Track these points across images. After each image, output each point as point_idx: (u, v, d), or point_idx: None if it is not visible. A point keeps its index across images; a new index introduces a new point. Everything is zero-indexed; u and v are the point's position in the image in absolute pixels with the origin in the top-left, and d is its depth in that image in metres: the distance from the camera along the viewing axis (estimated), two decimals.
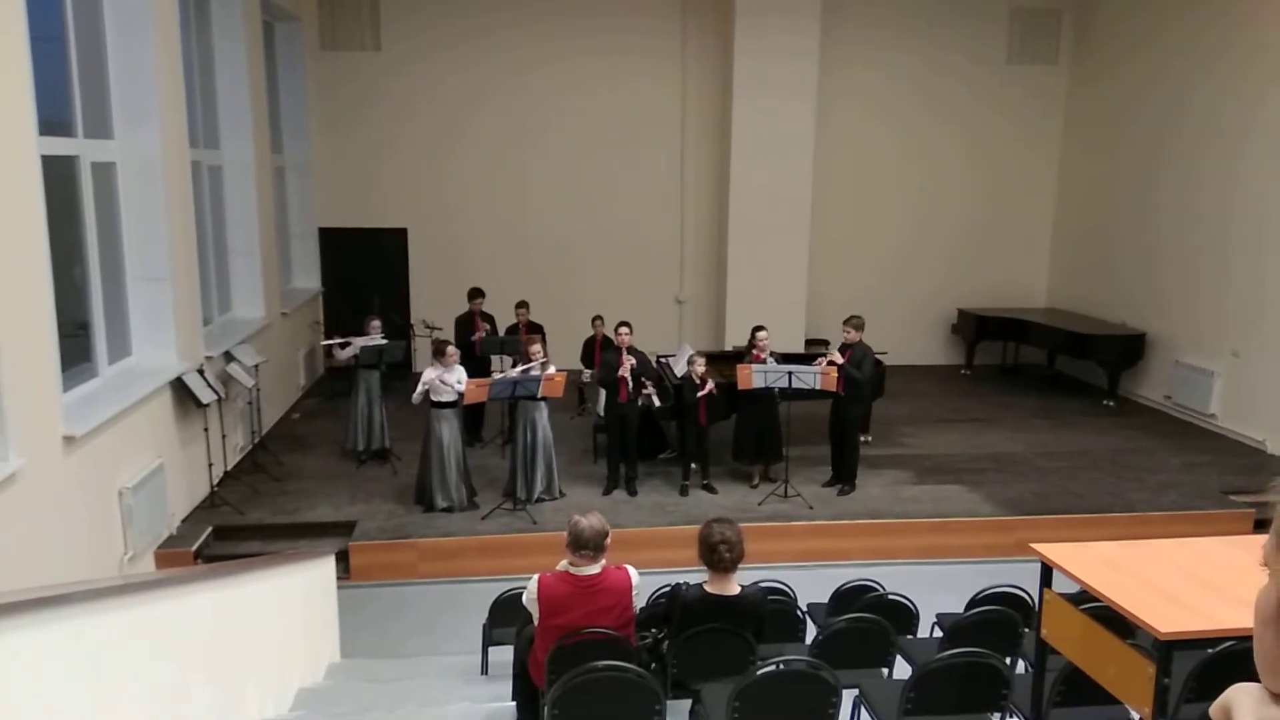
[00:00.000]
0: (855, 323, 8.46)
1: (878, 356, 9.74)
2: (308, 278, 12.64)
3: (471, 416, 9.26)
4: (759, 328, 8.52)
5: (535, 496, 8.20)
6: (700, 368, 8.36)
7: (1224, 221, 10.48)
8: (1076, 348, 11.89)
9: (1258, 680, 1.06)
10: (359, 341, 9.15)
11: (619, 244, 13.14)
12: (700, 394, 8.27)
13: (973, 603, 5.15)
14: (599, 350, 9.58)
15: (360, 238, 12.83)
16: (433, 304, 12.07)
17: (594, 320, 10.13)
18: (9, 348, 5.02)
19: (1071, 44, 13.27)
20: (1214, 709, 1.00)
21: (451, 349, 8.08)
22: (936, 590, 5.97)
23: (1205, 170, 10.74)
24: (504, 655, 5.37)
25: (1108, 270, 12.56)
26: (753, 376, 8.13)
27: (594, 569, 4.04)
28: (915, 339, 13.51)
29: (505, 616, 5.58)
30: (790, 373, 8.02)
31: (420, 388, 7.94)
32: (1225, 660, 3.31)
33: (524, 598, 4.16)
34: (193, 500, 7.91)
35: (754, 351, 8.46)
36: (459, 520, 7.93)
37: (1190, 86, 10.95)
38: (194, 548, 7.29)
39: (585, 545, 3.98)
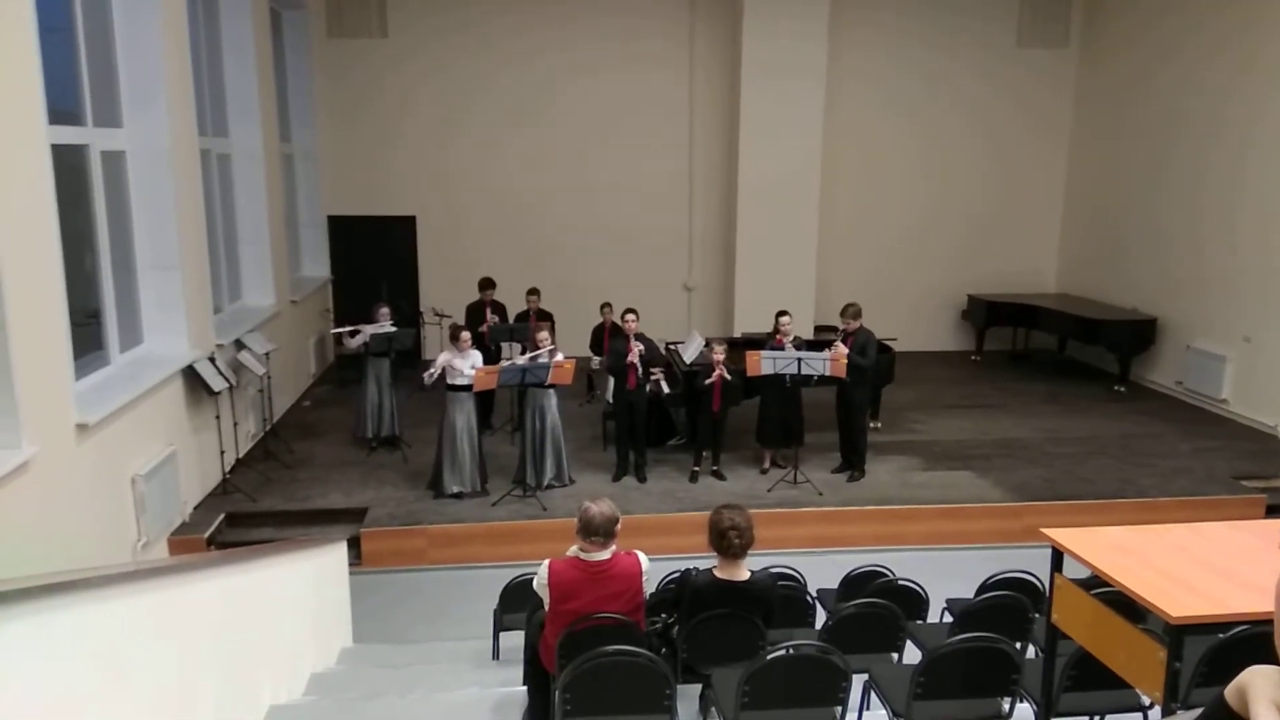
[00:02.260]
0: (852, 311, 8.50)
1: (887, 343, 9.74)
2: (317, 266, 12.68)
3: (481, 404, 9.28)
4: (782, 312, 8.54)
5: (545, 483, 8.22)
6: (720, 355, 8.31)
7: (1235, 206, 10.40)
8: (1087, 333, 11.84)
9: (1273, 663, 1.06)
10: (368, 329, 9.19)
11: (627, 231, 13.12)
12: (708, 380, 8.25)
13: (983, 588, 5.15)
14: (608, 337, 9.58)
15: (369, 225, 12.85)
16: (441, 291, 12.08)
17: (603, 307, 10.13)
18: (21, 337, 5.04)
19: (1082, 26, 13.15)
20: (1229, 691, 1.00)
21: (465, 334, 8.16)
22: (946, 576, 5.97)
23: (1216, 154, 10.64)
24: (515, 640, 5.41)
25: (1118, 255, 12.49)
26: (761, 363, 8.14)
27: (604, 555, 4.06)
28: (924, 325, 13.46)
29: (516, 602, 5.62)
30: (800, 359, 8.03)
31: (434, 369, 8.01)
32: (1236, 645, 3.31)
33: (535, 583, 4.18)
34: (205, 487, 7.96)
35: (777, 336, 8.46)
36: (469, 507, 7.96)
37: (1201, 69, 10.85)
38: (207, 534, 7.34)
39: (596, 531, 4.00)
